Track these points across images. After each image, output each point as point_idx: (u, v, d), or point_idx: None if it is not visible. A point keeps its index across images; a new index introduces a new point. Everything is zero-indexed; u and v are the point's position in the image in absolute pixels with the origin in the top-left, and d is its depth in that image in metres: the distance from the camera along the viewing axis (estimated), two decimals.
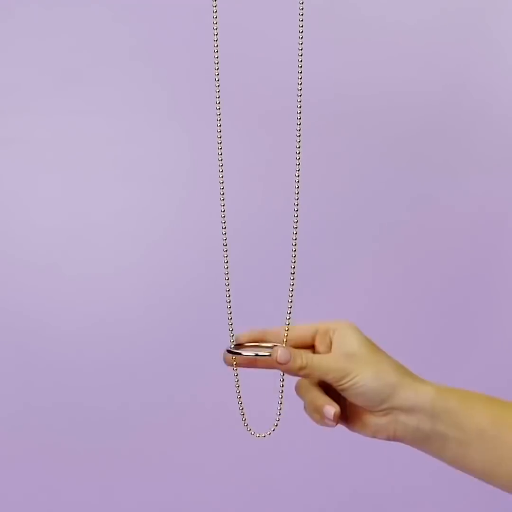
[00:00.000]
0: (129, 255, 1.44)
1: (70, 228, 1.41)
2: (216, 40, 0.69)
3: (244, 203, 1.38)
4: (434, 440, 0.67)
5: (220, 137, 0.71)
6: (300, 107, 0.70)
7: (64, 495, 1.43)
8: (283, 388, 0.71)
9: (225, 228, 0.70)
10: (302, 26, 0.67)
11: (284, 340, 0.68)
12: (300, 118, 0.70)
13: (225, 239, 0.70)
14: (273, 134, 1.33)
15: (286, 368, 0.67)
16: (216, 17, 0.69)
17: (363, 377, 0.66)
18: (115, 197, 1.43)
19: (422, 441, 0.68)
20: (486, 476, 0.67)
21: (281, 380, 0.70)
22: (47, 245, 1.42)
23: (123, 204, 1.43)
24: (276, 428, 0.70)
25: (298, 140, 0.72)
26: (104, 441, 1.42)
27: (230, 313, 0.71)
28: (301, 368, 0.67)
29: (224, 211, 0.70)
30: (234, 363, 0.70)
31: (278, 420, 0.70)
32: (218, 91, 0.70)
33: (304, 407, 0.70)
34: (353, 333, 0.69)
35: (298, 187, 0.73)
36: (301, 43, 0.68)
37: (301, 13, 0.68)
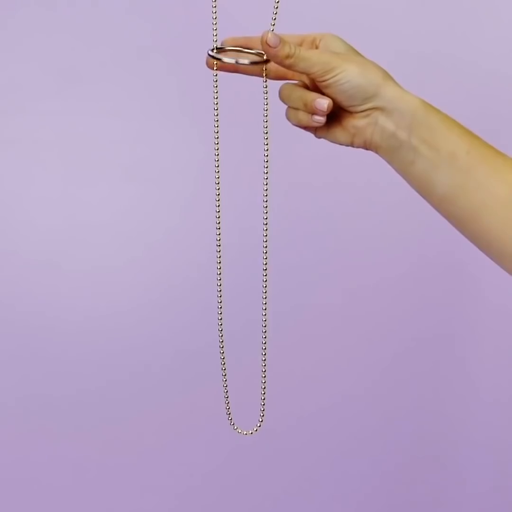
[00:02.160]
0: (129, 254, 1.43)
1: (70, 227, 1.41)
2: (216, 35, 0.70)
3: (246, 203, 1.37)
4: (406, 151, 0.67)
5: (217, 137, 0.71)
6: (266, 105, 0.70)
7: (61, 486, 1.43)
8: (265, 385, 0.70)
9: (219, 228, 0.69)
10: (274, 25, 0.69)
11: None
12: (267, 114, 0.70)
13: (219, 240, 0.69)
14: (276, 135, 1.33)
15: (274, 53, 0.66)
16: (215, 18, 0.70)
17: (348, 73, 0.66)
18: (116, 197, 1.43)
19: (395, 150, 0.67)
20: (446, 203, 0.67)
21: (263, 376, 0.69)
22: (48, 245, 1.41)
23: (124, 203, 1.43)
24: (261, 424, 0.69)
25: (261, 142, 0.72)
26: (101, 434, 1.43)
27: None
28: (288, 56, 0.66)
29: (218, 211, 0.69)
30: (215, 64, 0.70)
31: (263, 415, 0.69)
32: (216, 92, 0.71)
33: (286, 113, 0.70)
34: (340, 41, 0.69)
35: (266, 184, 0.73)
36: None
37: (275, 12, 0.69)
